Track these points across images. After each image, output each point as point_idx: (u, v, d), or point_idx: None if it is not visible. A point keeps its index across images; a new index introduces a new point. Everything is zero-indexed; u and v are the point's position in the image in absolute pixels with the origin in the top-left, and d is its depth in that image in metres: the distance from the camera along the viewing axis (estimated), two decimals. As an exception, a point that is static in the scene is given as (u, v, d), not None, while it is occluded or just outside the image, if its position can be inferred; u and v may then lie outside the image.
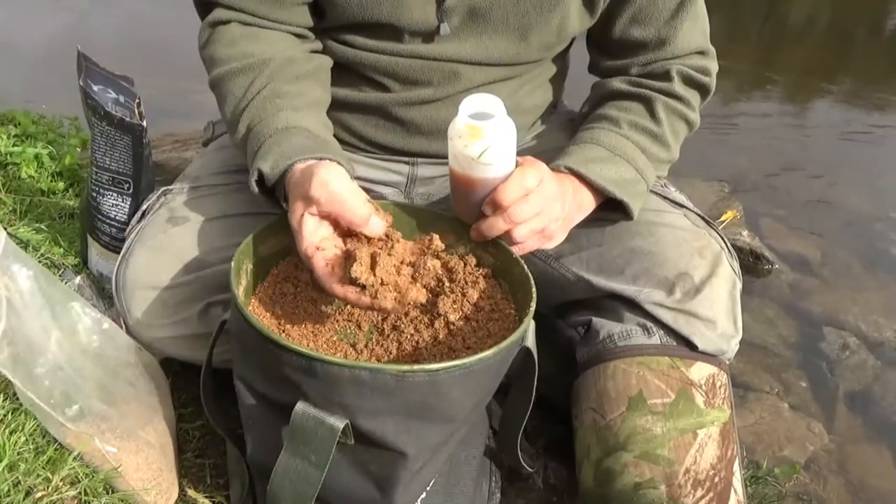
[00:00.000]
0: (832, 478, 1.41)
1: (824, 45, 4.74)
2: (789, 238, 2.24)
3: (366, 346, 0.94)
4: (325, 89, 1.10)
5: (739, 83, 3.70)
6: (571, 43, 1.20)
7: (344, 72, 1.11)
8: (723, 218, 2.16)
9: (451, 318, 0.92)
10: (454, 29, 1.06)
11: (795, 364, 1.71)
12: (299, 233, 0.88)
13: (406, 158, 1.18)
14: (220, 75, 1.05)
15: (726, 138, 2.99)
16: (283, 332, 0.93)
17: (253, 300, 0.94)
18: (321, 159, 0.94)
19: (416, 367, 0.78)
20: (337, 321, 0.96)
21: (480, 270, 0.97)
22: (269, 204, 0.99)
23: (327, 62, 1.11)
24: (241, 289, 0.90)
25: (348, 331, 0.96)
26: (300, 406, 0.80)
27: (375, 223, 0.87)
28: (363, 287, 0.84)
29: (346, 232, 0.89)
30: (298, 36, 1.10)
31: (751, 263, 2.06)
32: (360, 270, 0.83)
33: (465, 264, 0.96)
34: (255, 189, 0.97)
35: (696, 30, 1.11)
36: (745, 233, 2.12)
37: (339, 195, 0.86)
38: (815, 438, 1.49)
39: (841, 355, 1.76)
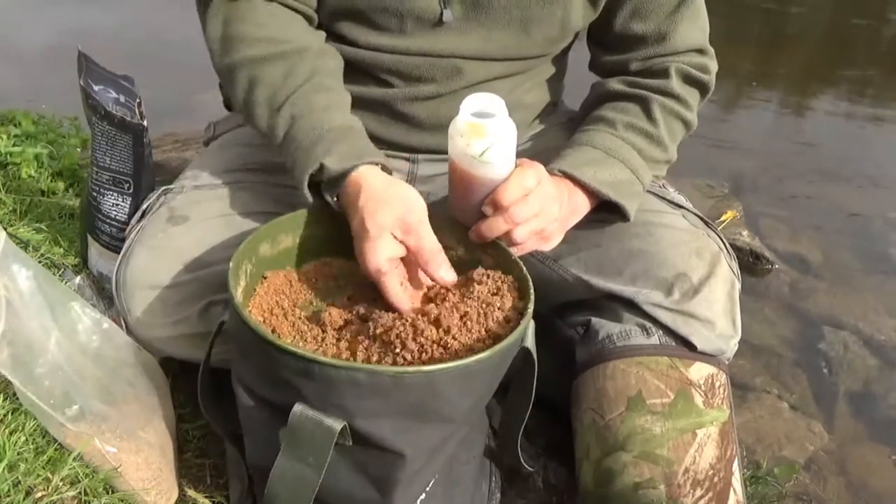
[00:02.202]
0: (832, 478, 1.41)
1: (824, 44, 4.74)
2: (789, 238, 2.24)
3: (366, 346, 0.93)
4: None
5: (739, 83, 3.70)
6: (573, 41, 1.20)
7: (347, 69, 1.11)
8: (723, 218, 2.15)
9: (450, 318, 0.92)
10: (457, 18, 1.06)
11: (795, 364, 1.71)
12: (378, 246, 0.89)
13: (407, 155, 1.18)
14: (252, 58, 1.03)
15: (726, 138, 2.99)
16: (282, 333, 0.93)
17: (252, 301, 0.94)
18: (383, 167, 0.97)
19: (412, 367, 0.78)
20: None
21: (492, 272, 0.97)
22: (315, 200, 0.99)
23: (342, 60, 1.11)
24: (239, 290, 0.90)
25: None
26: (298, 408, 0.80)
27: (450, 276, 0.91)
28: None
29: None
30: (309, 20, 1.09)
31: (751, 263, 2.05)
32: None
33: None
34: (305, 184, 0.97)
35: (696, 27, 1.11)
36: (745, 233, 2.12)
37: (431, 243, 0.90)
38: (815, 438, 1.49)
39: (841, 355, 1.75)
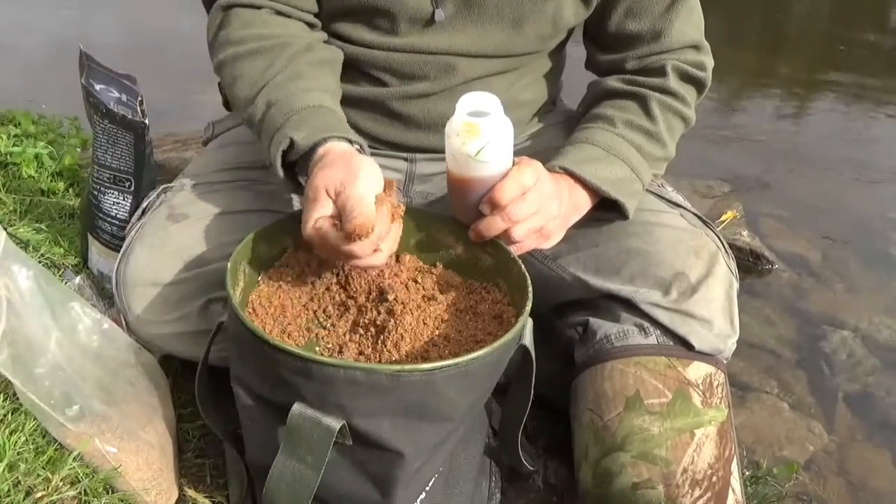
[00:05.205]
0: (832, 478, 1.41)
1: (824, 44, 4.74)
2: (789, 238, 2.24)
3: (367, 346, 0.94)
4: (338, 80, 1.10)
5: (739, 83, 3.70)
6: (568, 37, 1.20)
7: (341, 67, 1.12)
8: (723, 218, 2.15)
9: (447, 317, 0.92)
10: (449, 17, 1.06)
11: (795, 364, 1.71)
12: (310, 208, 0.86)
13: (404, 154, 1.18)
14: (235, 55, 1.04)
15: (726, 138, 2.99)
16: (283, 332, 0.93)
17: (249, 301, 0.94)
18: (355, 145, 0.95)
19: (409, 366, 0.78)
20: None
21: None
22: (286, 185, 0.98)
23: (340, 54, 1.11)
24: (237, 290, 0.90)
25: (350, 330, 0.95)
26: (297, 407, 0.80)
27: (362, 224, 0.84)
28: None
29: None
30: (309, 25, 1.10)
31: (751, 263, 2.05)
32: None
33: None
34: (279, 162, 0.95)
35: (690, 24, 1.12)
36: (745, 233, 2.12)
37: (355, 193, 0.84)
38: (815, 438, 1.49)
39: (841, 355, 1.76)
